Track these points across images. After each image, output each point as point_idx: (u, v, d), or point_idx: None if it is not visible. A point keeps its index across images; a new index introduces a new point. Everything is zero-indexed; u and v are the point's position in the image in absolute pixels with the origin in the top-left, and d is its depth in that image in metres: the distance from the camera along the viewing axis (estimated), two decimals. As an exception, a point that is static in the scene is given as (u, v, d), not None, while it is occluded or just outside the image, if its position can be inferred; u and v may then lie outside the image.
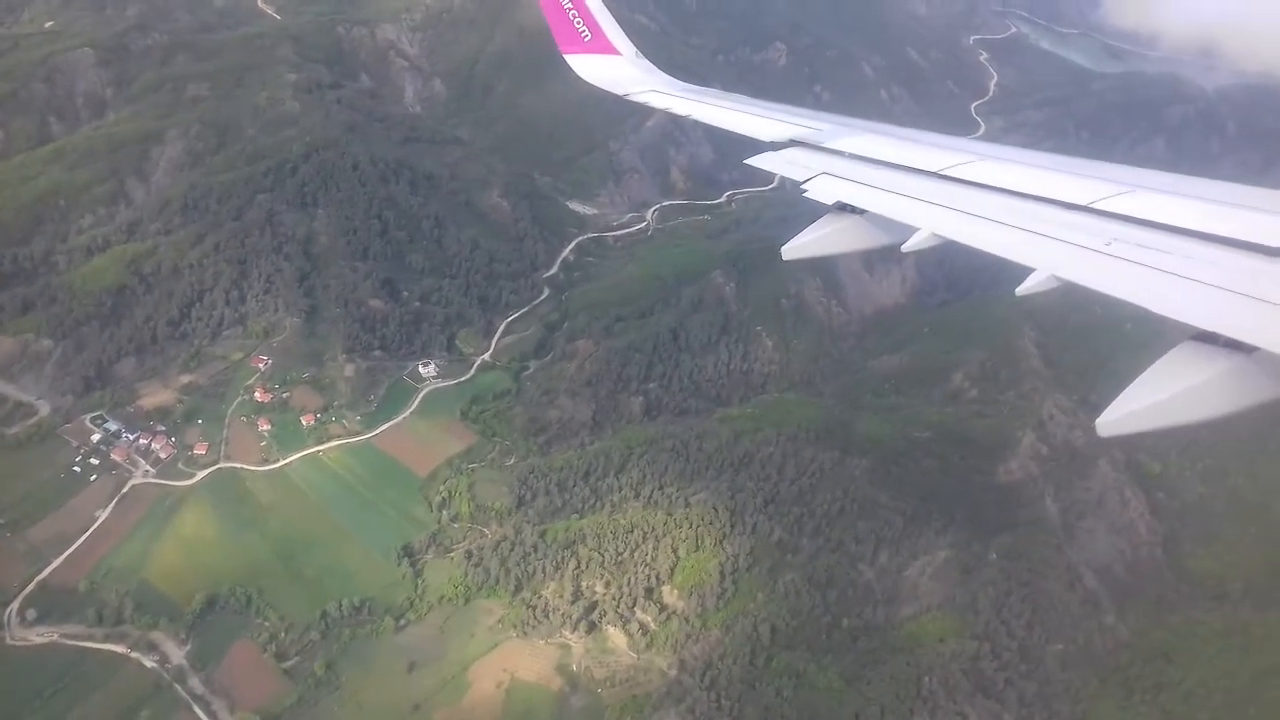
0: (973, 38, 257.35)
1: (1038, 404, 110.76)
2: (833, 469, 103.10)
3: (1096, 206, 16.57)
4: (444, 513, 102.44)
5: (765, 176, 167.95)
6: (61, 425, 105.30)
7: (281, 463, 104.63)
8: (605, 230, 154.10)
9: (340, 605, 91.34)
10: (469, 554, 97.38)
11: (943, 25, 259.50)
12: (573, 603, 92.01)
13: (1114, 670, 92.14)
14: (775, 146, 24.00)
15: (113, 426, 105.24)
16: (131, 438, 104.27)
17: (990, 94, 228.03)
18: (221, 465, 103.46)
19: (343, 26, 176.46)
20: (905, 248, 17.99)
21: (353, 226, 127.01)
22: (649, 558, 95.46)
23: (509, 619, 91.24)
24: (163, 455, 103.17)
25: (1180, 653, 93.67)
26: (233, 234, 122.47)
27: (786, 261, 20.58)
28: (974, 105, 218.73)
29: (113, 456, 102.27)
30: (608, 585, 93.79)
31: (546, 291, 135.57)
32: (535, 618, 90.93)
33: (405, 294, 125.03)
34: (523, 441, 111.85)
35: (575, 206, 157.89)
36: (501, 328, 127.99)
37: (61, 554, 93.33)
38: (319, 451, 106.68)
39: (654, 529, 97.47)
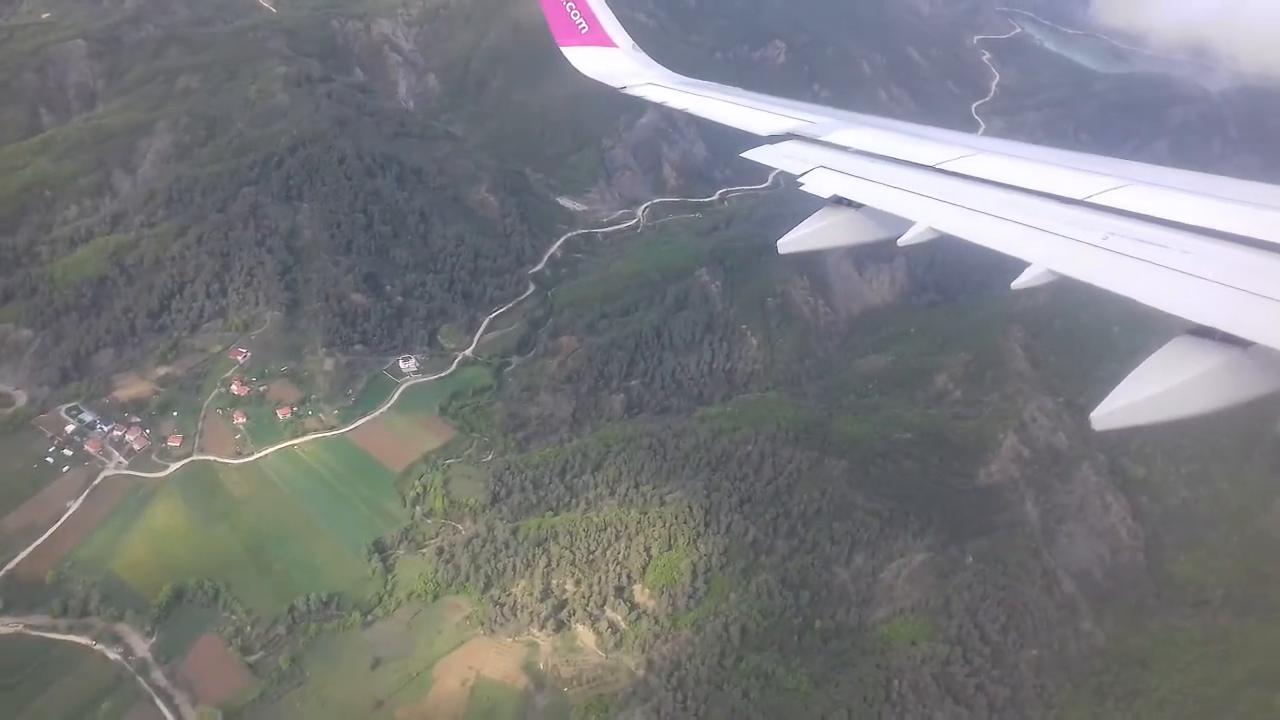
0: (976, 38, 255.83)
1: (1021, 406, 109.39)
2: (810, 469, 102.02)
3: (1093, 201, 16.60)
4: (418, 508, 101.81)
5: (759, 175, 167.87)
6: (37, 416, 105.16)
7: (255, 456, 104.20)
8: (595, 227, 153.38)
9: (308, 600, 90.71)
10: (440, 550, 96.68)
11: (946, 24, 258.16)
12: (542, 600, 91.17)
13: (1088, 676, 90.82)
14: (772, 140, 23.95)
15: (88, 417, 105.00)
16: (106, 429, 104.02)
17: (991, 94, 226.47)
18: (195, 458, 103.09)
19: (337, 21, 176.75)
20: (901, 242, 17.97)
21: (337, 220, 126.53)
22: (621, 556, 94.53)
23: (476, 616, 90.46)
24: (136, 447, 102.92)
25: (1157, 659, 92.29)
26: (216, 226, 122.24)
27: (781, 255, 20.54)
28: (974, 105, 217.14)
29: (86, 448, 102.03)
30: (578, 583, 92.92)
31: (532, 288, 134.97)
32: (503, 615, 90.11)
33: (388, 288, 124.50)
34: (501, 438, 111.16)
35: (566, 203, 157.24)
36: (485, 323, 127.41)
37: (31, 544, 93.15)
38: (294, 445, 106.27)
39: (627, 527, 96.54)
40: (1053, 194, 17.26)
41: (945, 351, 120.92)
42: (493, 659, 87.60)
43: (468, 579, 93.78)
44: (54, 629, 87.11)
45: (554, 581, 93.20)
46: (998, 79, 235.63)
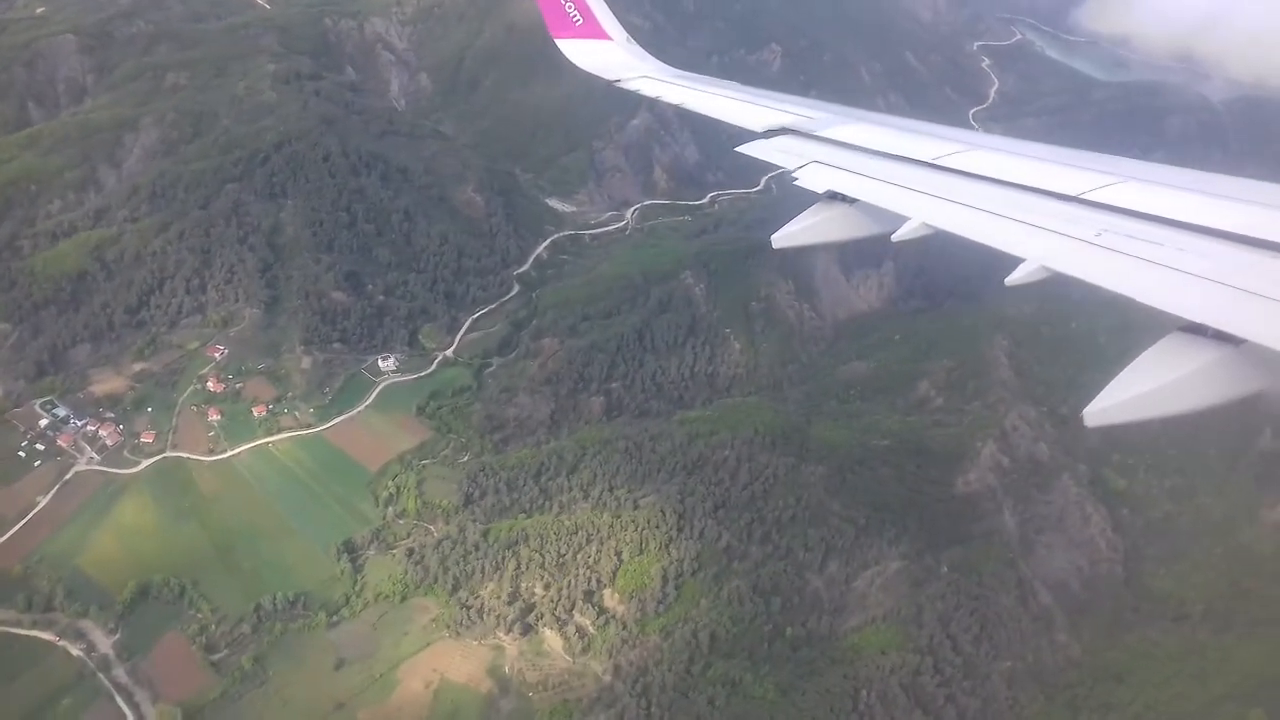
0: (976, 44, 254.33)
1: (1002, 415, 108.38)
2: (786, 475, 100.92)
3: (1087, 197, 16.69)
4: (390, 509, 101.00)
5: (751, 178, 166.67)
6: (11, 410, 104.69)
7: (229, 453, 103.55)
8: (584, 228, 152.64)
9: (275, 599, 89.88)
10: (410, 551, 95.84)
11: (947, 31, 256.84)
12: (510, 604, 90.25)
13: (1062, 689, 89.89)
14: (767, 135, 24.07)
15: (61, 412, 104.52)
16: (79, 424, 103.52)
17: (990, 101, 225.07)
18: (167, 454, 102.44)
19: (330, 19, 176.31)
20: (895, 237, 18.06)
21: (319, 218, 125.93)
22: (592, 560, 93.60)
23: (443, 618, 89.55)
24: (109, 442, 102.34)
25: (1133, 673, 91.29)
26: (197, 223, 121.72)
27: (768, 259, 21.69)
28: (972, 112, 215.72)
29: (59, 442, 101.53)
30: (547, 587, 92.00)
31: (516, 288, 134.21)
32: (470, 618, 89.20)
33: (369, 287, 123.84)
34: (478, 439, 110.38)
35: (554, 204, 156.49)
36: (467, 324, 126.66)
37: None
38: (268, 443, 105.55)
39: (599, 531, 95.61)
40: (1047, 190, 17.41)
41: (929, 358, 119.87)
42: (458, 662, 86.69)
43: (436, 581, 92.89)
44: (18, 624, 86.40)
45: (523, 585, 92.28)
46: (997, 86, 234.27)
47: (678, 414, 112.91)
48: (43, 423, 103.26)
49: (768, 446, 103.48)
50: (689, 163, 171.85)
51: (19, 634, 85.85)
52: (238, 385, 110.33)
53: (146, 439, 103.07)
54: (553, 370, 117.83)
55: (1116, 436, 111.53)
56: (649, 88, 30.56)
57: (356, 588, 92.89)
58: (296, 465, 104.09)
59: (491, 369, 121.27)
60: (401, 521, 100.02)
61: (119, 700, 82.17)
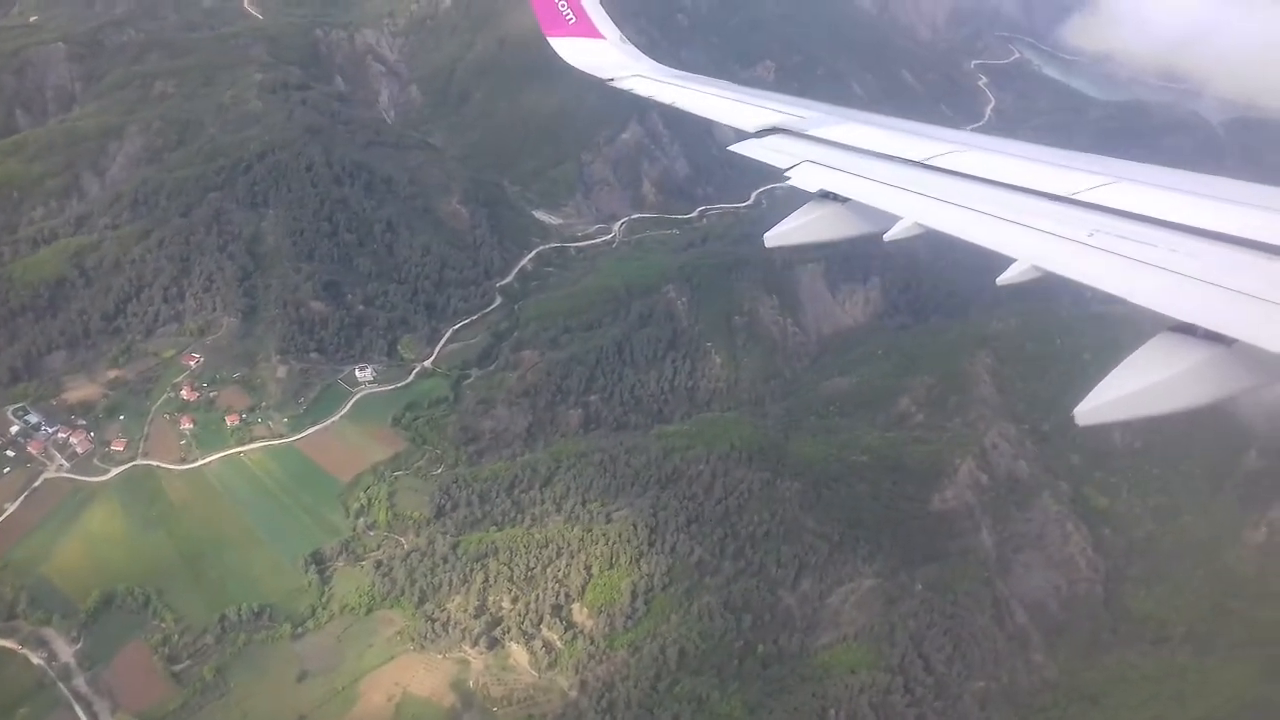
0: (974, 62, 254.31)
1: (982, 432, 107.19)
2: (761, 490, 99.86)
3: (1079, 197, 16.67)
4: (360, 520, 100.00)
5: (741, 193, 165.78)
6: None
7: (199, 462, 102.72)
8: (570, 241, 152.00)
9: (239, 610, 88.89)
10: (379, 563, 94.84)
11: (944, 49, 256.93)
12: (476, 617, 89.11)
13: (1036, 711, 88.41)
14: (759, 135, 23.97)
15: (33, 419, 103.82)
16: (50, 431, 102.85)
17: (985, 119, 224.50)
18: (138, 462, 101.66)
19: (321, 30, 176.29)
20: (887, 237, 17.97)
21: (300, 227, 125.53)
22: (561, 574, 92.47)
23: (408, 631, 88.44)
24: (80, 450, 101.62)
25: (1109, 696, 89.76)
26: (178, 230, 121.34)
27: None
28: (968, 130, 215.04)
29: (29, 449, 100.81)
30: (515, 600, 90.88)
31: (499, 300, 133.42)
32: (435, 631, 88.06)
33: (349, 297, 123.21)
34: (453, 450, 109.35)
35: (541, 216, 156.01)
36: (447, 335, 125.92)
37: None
38: (240, 452, 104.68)
39: (569, 544, 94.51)
40: (1039, 190, 17.35)
41: (910, 374, 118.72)
42: (421, 675, 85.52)
43: (403, 593, 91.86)
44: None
45: (490, 598, 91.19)
46: (993, 104, 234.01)
47: (655, 428, 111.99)
48: (14, 429, 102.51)
49: (743, 461, 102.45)
50: (678, 176, 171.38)
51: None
52: (212, 394, 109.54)
53: (117, 447, 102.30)
54: (531, 383, 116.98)
55: (1100, 454, 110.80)
56: (642, 87, 30.26)
57: (323, 599, 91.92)
58: (267, 475, 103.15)
59: (470, 380, 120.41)
60: (372, 533, 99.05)
61: (78, 710, 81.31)
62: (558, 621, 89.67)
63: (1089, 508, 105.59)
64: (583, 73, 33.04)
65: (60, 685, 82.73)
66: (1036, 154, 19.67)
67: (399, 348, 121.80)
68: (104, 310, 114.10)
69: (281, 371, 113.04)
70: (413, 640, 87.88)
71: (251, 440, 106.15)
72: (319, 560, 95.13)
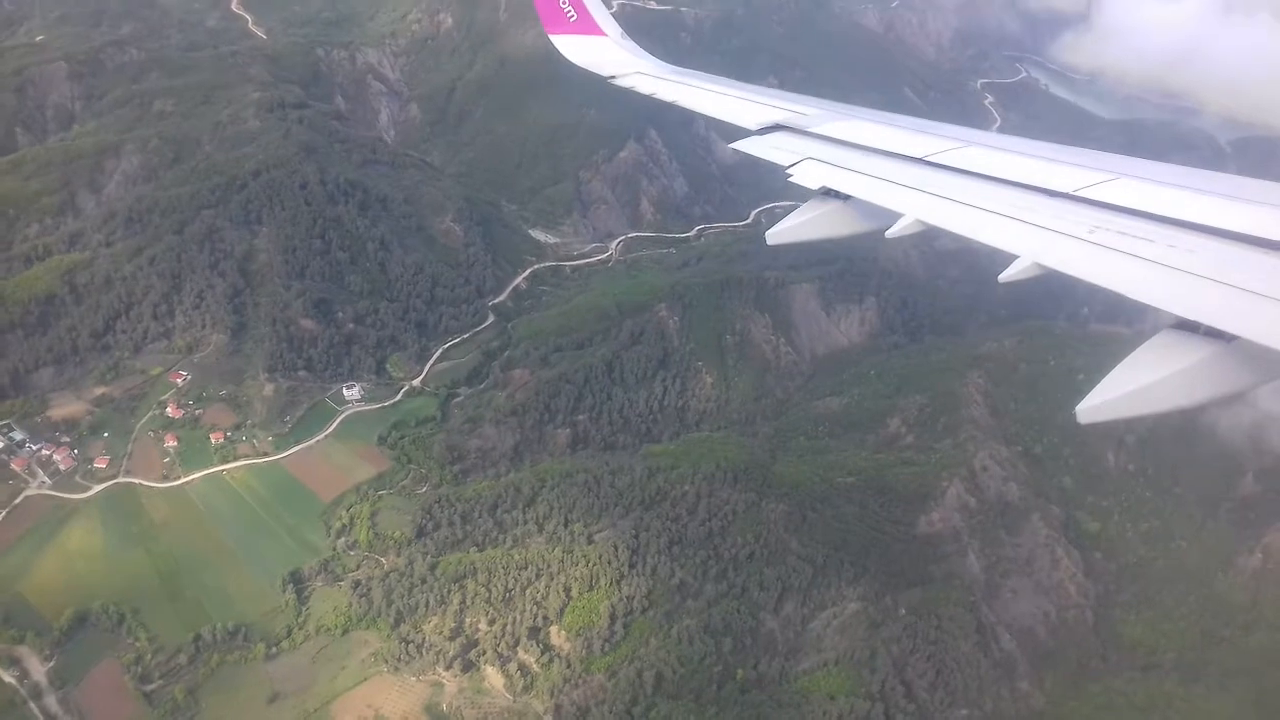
0: (980, 81, 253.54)
1: (971, 454, 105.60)
2: (746, 511, 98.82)
3: (1080, 194, 16.72)
4: (341, 540, 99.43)
5: (740, 212, 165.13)
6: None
7: (182, 480, 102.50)
8: (566, 259, 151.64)
9: (214, 629, 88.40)
10: (357, 584, 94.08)
11: (950, 69, 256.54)
12: (452, 639, 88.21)
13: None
14: (761, 132, 24.13)
15: (18, 436, 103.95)
16: (35, 448, 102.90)
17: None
18: (120, 480, 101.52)
19: (322, 49, 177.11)
20: (889, 234, 18.03)
21: (292, 245, 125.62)
22: (540, 596, 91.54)
23: (382, 653, 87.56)
24: (63, 467, 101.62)
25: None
26: (170, 248, 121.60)
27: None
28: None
29: (12, 466, 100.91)
30: (492, 622, 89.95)
31: (491, 318, 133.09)
32: (409, 653, 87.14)
33: (339, 315, 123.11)
34: (438, 470, 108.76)
35: (538, 235, 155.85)
36: (438, 353, 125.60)
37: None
38: (223, 471, 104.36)
39: (549, 566, 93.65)
40: (1040, 187, 17.40)
41: (901, 394, 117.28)
42: (394, 698, 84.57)
43: (380, 614, 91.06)
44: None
45: (467, 620, 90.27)
46: (999, 123, 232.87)
47: (643, 447, 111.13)
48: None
49: (729, 482, 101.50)
50: (677, 195, 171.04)
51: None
52: (197, 411, 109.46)
53: (100, 464, 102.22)
54: (519, 401, 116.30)
55: (1092, 477, 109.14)
56: (643, 84, 30.39)
57: (299, 620, 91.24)
58: (249, 494, 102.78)
59: (459, 399, 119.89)
60: (352, 553, 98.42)
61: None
62: (534, 644, 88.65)
63: (1080, 532, 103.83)
64: (584, 71, 33.20)
65: (31, 704, 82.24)
66: (1037, 151, 19.67)
67: (388, 366, 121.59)
68: (93, 327, 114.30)
69: (268, 389, 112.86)
70: (387, 662, 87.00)
71: (235, 458, 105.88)
72: (297, 580, 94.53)
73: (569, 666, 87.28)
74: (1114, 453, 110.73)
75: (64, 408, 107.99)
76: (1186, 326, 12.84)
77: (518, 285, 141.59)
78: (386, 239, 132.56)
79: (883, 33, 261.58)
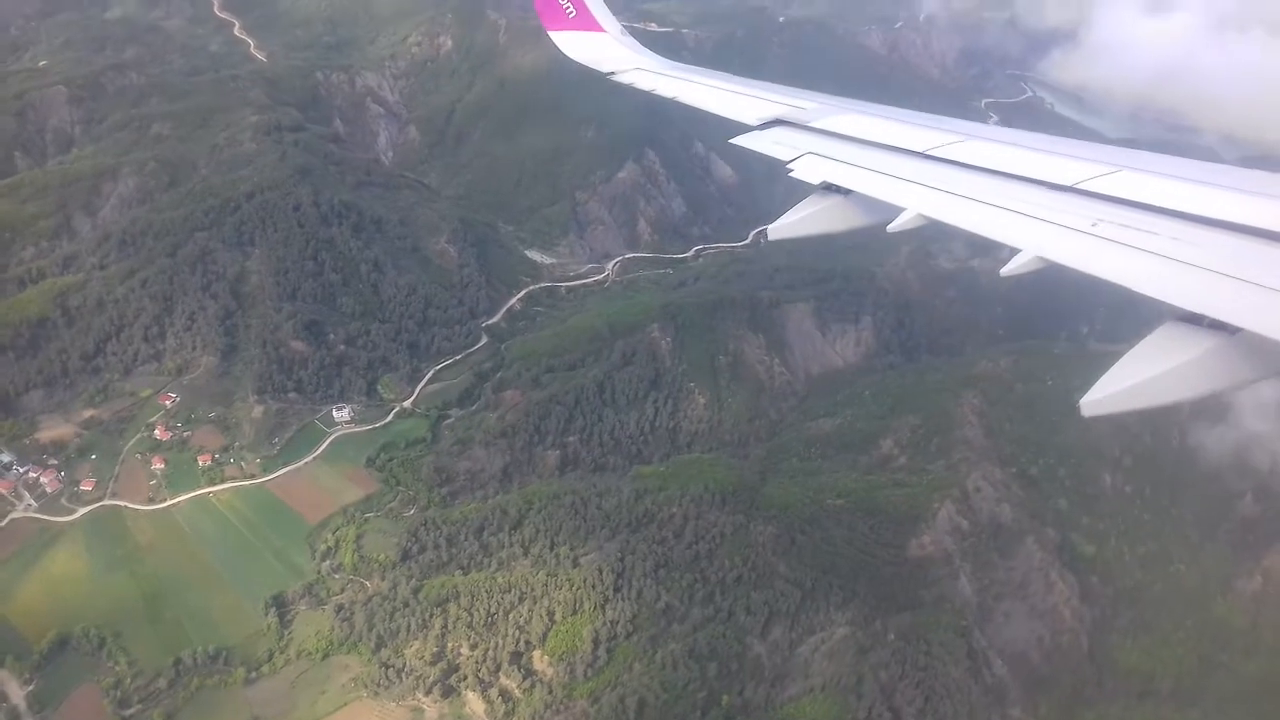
0: (984, 101, 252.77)
1: (964, 475, 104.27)
2: (734, 534, 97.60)
3: (1083, 187, 16.68)
4: (326, 563, 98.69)
5: (738, 233, 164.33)
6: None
7: (168, 502, 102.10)
8: (561, 280, 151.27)
9: (195, 653, 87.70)
10: (340, 607, 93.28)
11: (954, 88, 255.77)
12: (433, 664, 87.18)
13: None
14: (761, 127, 23.96)
15: (6, 458, 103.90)
16: (22, 470, 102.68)
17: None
18: (105, 502, 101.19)
19: (321, 72, 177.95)
20: (891, 228, 18.00)
21: (285, 267, 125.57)
22: (522, 620, 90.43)
23: (363, 678, 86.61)
24: (49, 489, 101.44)
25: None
26: (162, 270, 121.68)
27: (772, 241, 20.59)
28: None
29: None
30: (474, 647, 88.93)
31: (484, 339, 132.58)
32: (389, 678, 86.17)
33: (331, 336, 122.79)
34: (426, 492, 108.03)
35: (534, 255, 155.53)
36: (429, 375, 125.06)
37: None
38: (210, 493, 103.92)
39: (533, 589, 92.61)
40: (1043, 180, 17.33)
41: (895, 415, 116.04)
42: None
43: (361, 638, 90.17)
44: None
45: (449, 644, 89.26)
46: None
47: (633, 469, 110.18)
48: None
49: (717, 504, 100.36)
50: (675, 216, 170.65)
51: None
52: (186, 433, 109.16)
53: (86, 486, 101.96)
54: (509, 423, 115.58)
55: (1089, 498, 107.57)
56: (643, 80, 30.15)
57: (281, 643, 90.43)
58: (235, 516, 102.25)
59: (450, 421, 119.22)
60: (337, 576, 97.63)
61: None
62: (516, 669, 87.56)
63: (1075, 555, 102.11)
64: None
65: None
66: (1039, 144, 19.55)
67: (379, 387, 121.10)
68: (83, 350, 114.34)
69: (257, 411, 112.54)
70: (366, 687, 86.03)
71: (223, 480, 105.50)
72: (281, 603, 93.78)
73: (551, 692, 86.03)
74: (1111, 474, 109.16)
75: (52, 430, 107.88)
76: (1190, 319, 12.71)
77: (512, 306, 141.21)
78: (380, 260, 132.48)
79: (886, 54, 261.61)
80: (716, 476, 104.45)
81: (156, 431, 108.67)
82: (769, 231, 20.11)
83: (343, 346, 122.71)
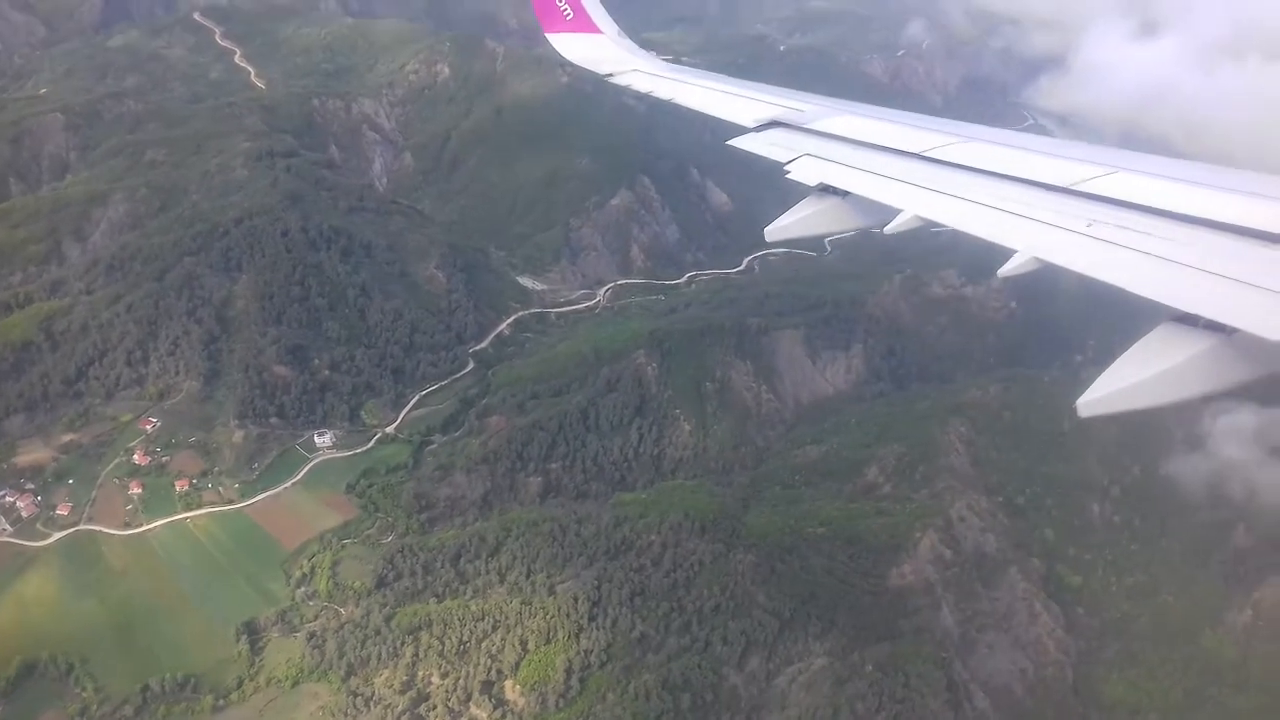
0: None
1: (948, 504, 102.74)
2: (713, 562, 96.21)
3: (1078, 188, 16.73)
4: (301, 589, 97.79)
5: (732, 259, 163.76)
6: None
7: (143, 528, 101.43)
8: (552, 306, 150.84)
9: (163, 680, 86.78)
10: (311, 634, 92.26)
11: (956, 117, 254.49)
12: (402, 693, 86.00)
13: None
14: (759, 129, 24.12)
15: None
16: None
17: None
18: (81, 527, 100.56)
19: (318, 99, 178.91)
20: (888, 230, 18.09)
21: (270, 292, 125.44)
22: (495, 649, 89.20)
23: (331, 706, 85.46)
24: (25, 514, 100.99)
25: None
26: (148, 295, 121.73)
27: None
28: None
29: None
30: (445, 676, 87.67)
31: (471, 365, 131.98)
32: (357, 706, 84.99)
33: (315, 361, 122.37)
34: (405, 519, 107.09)
35: (525, 282, 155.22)
36: (414, 400, 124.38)
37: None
38: (186, 518, 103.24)
39: (506, 617, 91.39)
40: (1038, 182, 17.39)
41: (881, 443, 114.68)
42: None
43: (332, 666, 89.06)
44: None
45: (420, 673, 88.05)
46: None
47: (614, 496, 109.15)
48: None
49: (696, 532, 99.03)
50: (669, 242, 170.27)
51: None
52: (164, 458, 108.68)
53: (62, 511, 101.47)
54: (492, 449, 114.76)
55: (1076, 529, 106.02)
56: (640, 81, 30.38)
57: (251, 671, 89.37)
58: (211, 542, 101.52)
59: (433, 447, 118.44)
60: (311, 603, 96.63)
61: (-15, 783, 79.14)
62: (487, 699, 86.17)
63: (1061, 586, 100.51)
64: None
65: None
66: (1035, 145, 19.72)
67: (362, 413, 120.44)
68: (65, 374, 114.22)
69: (238, 436, 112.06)
70: (334, 716, 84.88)
71: (200, 505, 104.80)
72: (252, 630, 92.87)
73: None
74: (1099, 504, 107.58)
75: (31, 454, 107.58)
76: (1186, 320, 12.79)
77: (501, 332, 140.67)
78: (367, 285, 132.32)
79: (888, 82, 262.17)
80: (697, 504, 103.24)
81: (135, 456, 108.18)
82: (766, 233, 20.25)
83: (327, 371, 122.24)
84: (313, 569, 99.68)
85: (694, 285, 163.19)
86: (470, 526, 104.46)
